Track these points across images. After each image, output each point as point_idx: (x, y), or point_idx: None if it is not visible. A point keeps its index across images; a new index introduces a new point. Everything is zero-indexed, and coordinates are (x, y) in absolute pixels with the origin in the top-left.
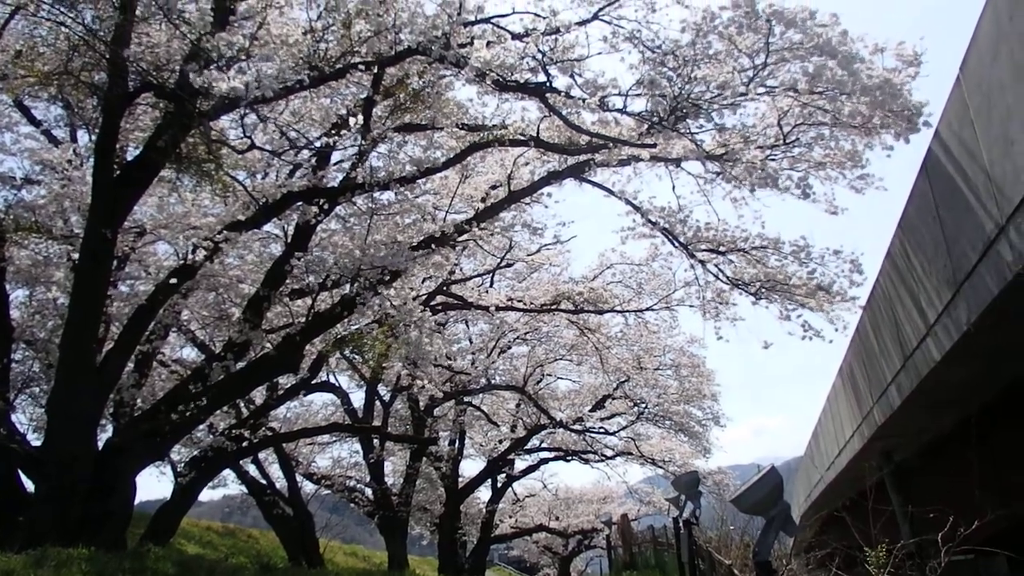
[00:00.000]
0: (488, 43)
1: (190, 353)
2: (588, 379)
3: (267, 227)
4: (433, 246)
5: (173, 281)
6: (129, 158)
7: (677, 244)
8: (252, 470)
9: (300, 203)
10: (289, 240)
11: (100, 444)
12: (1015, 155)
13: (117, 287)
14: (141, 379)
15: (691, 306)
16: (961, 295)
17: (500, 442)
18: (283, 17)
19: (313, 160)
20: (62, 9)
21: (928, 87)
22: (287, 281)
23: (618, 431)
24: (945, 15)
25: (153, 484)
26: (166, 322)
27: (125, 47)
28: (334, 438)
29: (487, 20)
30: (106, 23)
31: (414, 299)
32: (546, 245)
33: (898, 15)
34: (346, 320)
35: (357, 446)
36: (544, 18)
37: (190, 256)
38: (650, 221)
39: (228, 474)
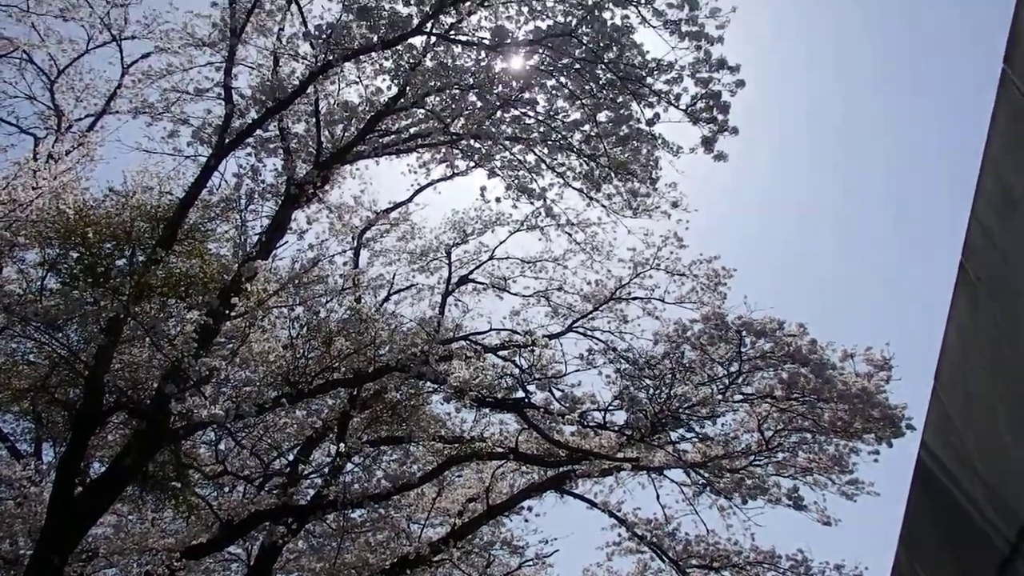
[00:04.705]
0: (467, 358)
1: None
2: None
3: (230, 548)
4: (407, 570)
5: None
6: (92, 474)
7: (667, 560)
8: None
9: (268, 522)
10: (252, 563)
11: None
12: (1012, 461)
13: None
14: None
15: None
16: None
17: None
18: (265, 335)
19: (284, 477)
20: (49, 331)
21: (902, 389)
22: None
23: None
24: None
25: None
26: None
27: (105, 368)
28: None
29: (465, 337)
30: (91, 344)
31: None
32: (527, 562)
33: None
34: None
35: None
36: (521, 335)
37: None
38: (636, 535)
39: None
